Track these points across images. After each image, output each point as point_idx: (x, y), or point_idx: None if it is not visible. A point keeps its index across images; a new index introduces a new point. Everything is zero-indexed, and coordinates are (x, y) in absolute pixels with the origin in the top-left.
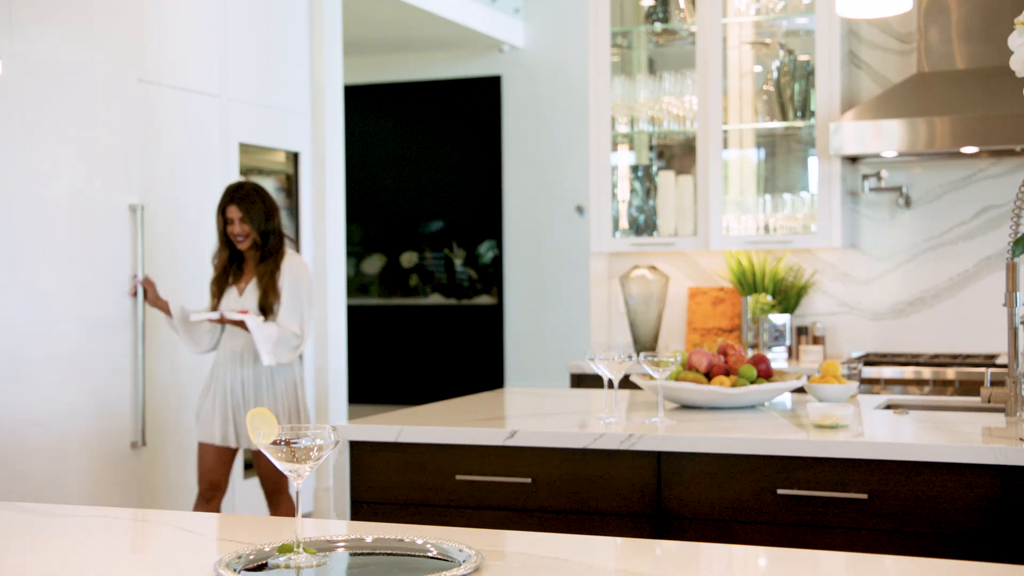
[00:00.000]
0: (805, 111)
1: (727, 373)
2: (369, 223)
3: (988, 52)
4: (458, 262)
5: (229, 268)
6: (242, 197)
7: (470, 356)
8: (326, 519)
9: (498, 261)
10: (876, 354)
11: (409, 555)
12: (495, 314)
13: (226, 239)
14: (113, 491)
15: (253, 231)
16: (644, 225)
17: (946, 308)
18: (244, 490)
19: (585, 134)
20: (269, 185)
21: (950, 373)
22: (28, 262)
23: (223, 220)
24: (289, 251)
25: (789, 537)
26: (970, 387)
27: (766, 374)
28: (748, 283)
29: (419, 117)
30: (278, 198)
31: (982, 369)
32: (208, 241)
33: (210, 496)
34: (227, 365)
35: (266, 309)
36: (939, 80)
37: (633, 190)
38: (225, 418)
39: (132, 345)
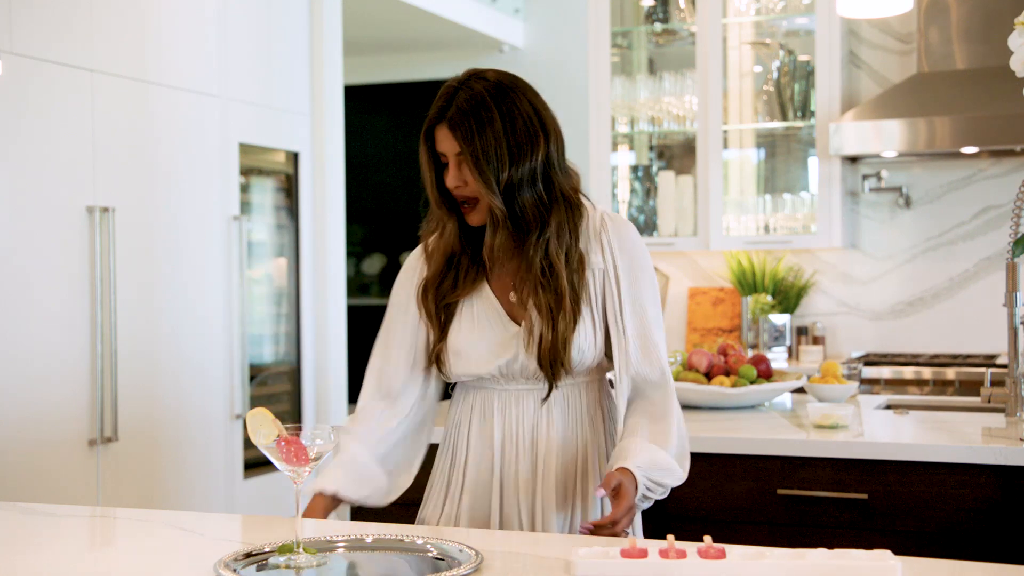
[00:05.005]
0: (805, 111)
1: (727, 373)
2: (369, 223)
3: (988, 52)
4: None
5: None
6: None
7: None
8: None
9: None
10: (876, 354)
11: (409, 555)
12: None
13: None
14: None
15: None
16: (644, 225)
17: (946, 308)
18: (244, 490)
19: (585, 134)
20: (269, 185)
21: (950, 373)
22: (30, 265)
23: None
24: None
25: (789, 537)
26: (970, 387)
27: (766, 374)
28: (748, 283)
29: (419, 117)
30: (278, 198)
31: (982, 369)
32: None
33: None
34: None
35: None
36: (939, 80)
37: (633, 190)
38: None
39: (90, 344)
